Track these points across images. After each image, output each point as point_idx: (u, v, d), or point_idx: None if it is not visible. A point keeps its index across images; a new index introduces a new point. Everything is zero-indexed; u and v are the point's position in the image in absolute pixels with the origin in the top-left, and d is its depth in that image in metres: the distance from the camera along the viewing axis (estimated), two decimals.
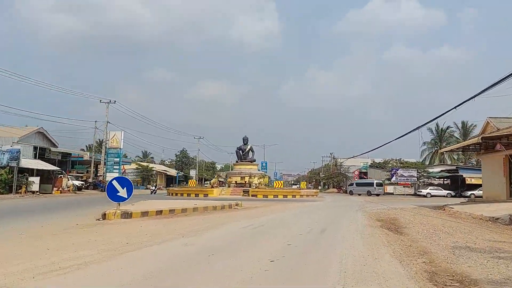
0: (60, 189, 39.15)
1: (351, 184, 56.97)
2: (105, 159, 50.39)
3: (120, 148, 51.46)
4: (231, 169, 55.42)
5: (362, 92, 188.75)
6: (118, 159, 51.31)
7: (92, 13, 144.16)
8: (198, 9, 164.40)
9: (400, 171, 54.17)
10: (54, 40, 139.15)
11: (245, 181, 38.23)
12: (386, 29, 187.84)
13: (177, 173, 74.07)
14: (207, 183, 60.45)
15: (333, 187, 77.52)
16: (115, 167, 51.30)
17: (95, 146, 50.95)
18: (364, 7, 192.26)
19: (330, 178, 75.97)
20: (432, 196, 47.30)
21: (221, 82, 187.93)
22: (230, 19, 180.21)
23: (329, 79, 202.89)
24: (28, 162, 37.72)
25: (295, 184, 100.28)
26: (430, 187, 50.01)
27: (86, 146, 68.90)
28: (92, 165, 49.17)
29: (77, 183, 43.45)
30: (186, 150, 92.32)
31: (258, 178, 36.37)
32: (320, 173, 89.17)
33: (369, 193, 49.27)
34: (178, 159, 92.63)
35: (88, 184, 46.31)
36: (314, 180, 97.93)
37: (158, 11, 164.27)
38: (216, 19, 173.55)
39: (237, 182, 39.20)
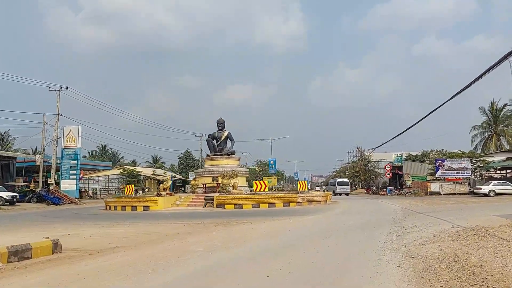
0: None
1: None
2: (58, 162, 39.27)
3: (77, 148, 40.27)
4: (201, 168, 42.89)
5: (392, 88, 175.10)
6: (75, 162, 40.12)
7: (120, 23, 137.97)
8: (222, 14, 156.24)
9: (447, 163, 40.15)
10: (85, 51, 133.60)
11: (218, 183, 25.80)
12: (415, 22, 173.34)
13: (171, 177, 62.34)
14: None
15: (362, 187, 63.94)
16: (71, 172, 40.10)
17: (43, 146, 39.85)
18: (391, 0, 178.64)
19: (356, 176, 62.24)
20: (496, 194, 33.34)
21: (247, 86, 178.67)
22: (254, 22, 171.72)
23: (357, 76, 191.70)
24: None
25: (318, 186, 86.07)
26: (492, 182, 35.75)
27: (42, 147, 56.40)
28: (41, 170, 38.10)
29: (5, 194, 32.33)
30: (191, 151, 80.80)
31: (231, 178, 23.65)
32: (346, 172, 75.14)
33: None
34: (182, 161, 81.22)
35: (31, 196, 35.03)
36: None
37: (184, 18, 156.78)
38: (240, 23, 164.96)
39: (207, 185, 26.77)
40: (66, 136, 40.08)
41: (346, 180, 55.42)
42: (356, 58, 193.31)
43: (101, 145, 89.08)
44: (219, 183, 25.57)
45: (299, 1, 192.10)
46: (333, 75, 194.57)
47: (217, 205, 21.87)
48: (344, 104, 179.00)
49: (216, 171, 26.99)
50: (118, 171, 57.58)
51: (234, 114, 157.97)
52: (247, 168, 33.50)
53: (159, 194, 23.57)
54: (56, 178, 38.79)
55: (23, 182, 39.24)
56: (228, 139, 30.82)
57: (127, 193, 28.79)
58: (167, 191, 24.71)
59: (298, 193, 25.24)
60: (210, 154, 30.31)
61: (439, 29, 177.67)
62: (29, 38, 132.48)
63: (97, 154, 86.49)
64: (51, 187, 35.99)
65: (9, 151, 42.14)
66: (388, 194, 44.58)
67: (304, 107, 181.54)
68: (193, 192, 27.24)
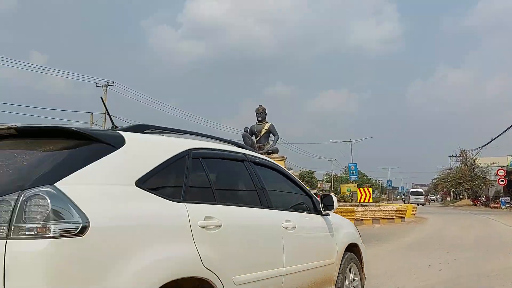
0: None
1: None
2: None
3: None
4: None
5: (502, 88, 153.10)
6: None
7: (214, 37, 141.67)
8: (313, 21, 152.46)
9: None
10: (181, 65, 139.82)
11: None
12: None
13: None
14: None
15: (468, 197, 52.36)
16: None
17: None
18: None
19: (459, 184, 50.90)
20: None
21: (340, 92, 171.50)
22: (346, 27, 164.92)
23: (461, 77, 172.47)
24: None
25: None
26: None
27: None
28: None
29: None
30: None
31: None
32: (447, 179, 62.85)
33: None
34: None
35: None
36: (444, 189, 71.41)
37: (275, 28, 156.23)
38: (332, 29, 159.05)
39: None
40: None
41: (420, 190, 56.99)
42: (459, 58, 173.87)
43: None
44: None
45: (395, 2, 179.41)
46: (434, 76, 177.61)
47: None
48: (447, 106, 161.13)
49: None
50: None
51: (326, 120, 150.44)
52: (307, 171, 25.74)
53: None
54: None
55: None
56: (271, 134, 24.13)
57: None
58: None
59: (357, 205, 17.63)
60: None
61: None
62: (137, 56, 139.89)
63: None
64: None
65: None
66: (503, 207, 33.95)
67: (402, 111, 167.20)
68: None
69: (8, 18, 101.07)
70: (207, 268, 2.24)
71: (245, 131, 25.55)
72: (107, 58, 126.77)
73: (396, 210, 17.76)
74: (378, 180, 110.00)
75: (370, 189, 25.19)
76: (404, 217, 18.23)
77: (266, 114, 25.57)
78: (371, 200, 19.17)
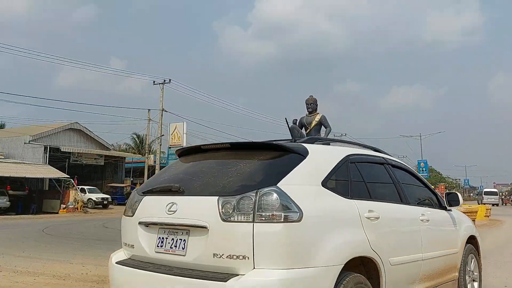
0: (65, 206, 26.62)
1: None
2: (162, 162, 36.87)
3: (182, 146, 37.13)
4: None
5: None
6: None
7: (284, 35, 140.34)
8: (385, 15, 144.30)
9: None
10: (250, 65, 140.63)
11: None
12: None
13: None
14: None
15: None
16: None
17: (148, 144, 37.92)
18: None
19: None
20: None
21: (414, 87, 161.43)
22: (420, 19, 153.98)
23: None
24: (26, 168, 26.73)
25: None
26: None
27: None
28: (146, 171, 36.15)
29: (96, 196, 30.66)
30: None
31: None
32: None
33: None
34: None
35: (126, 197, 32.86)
36: None
37: (344, 24, 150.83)
38: (404, 22, 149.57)
39: None
40: (171, 134, 37.43)
41: (495, 190, 56.95)
42: None
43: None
44: None
45: None
46: None
47: None
48: None
49: None
50: None
51: (398, 118, 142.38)
52: None
53: None
54: None
55: (132, 183, 38.04)
56: (322, 125, 22.42)
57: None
58: None
59: None
60: None
61: None
62: (212, 59, 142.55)
63: None
64: None
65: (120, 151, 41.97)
66: None
67: (482, 105, 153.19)
68: None
69: (90, 26, 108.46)
70: (373, 250, 2.79)
71: (294, 123, 23.99)
72: (180, 60, 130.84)
73: (462, 212, 15.25)
74: (455, 179, 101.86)
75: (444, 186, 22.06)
76: (474, 220, 15.69)
77: (317, 105, 23.54)
78: None
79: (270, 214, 2.34)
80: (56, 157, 30.83)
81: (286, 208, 2.36)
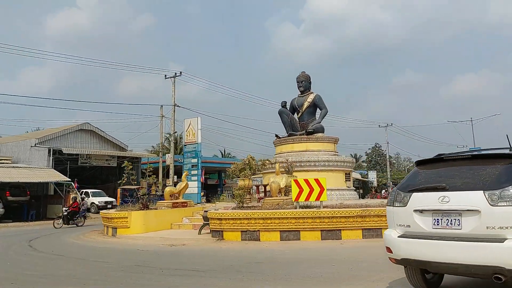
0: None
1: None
2: (177, 161, 34.40)
3: (197, 143, 34.23)
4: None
5: None
6: (196, 160, 34.13)
7: (337, 29, 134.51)
8: (442, 1, 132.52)
9: None
10: (306, 62, 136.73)
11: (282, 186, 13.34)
12: None
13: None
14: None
15: None
16: (193, 172, 34.14)
17: (161, 142, 35.59)
18: None
19: None
20: None
21: (479, 74, 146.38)
22: (484, 1, 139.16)
23: None
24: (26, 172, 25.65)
25: None
26: None
27: (152, 146, 49.44)
28: (160, 170, 33.95)
29: (99, 200, 28.87)
30: (380, 146, 67.10)
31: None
32: None
33: None
34: (369, 158, 68.48)
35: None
36: None
37: (400, 12, 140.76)
38: (466, 5, 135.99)
39: (267, 187, 14.75)
40: (186, 131, 34.75)
41: None
42: None
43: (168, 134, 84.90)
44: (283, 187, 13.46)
45: None
46: None
47: (213, 229, 10.65)
48: None
49: (287, 162, 14.88)
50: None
51: (462, 107, 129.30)
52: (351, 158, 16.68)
53: (144, 207, 13.84)
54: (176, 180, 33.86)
55: (148, 185, 36.01)
56: (316, 106, 18.12)
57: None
58: (179, 198, 14.88)
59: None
60: (281, 136, 17.84)
61: None
62: (264, 60, 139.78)
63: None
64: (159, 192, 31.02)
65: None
66: None
67: None
68: (249, 195, 15.55)
69: (148, 33, 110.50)
70: None
71: (283, 106, 18.65)
72: (234, 63, 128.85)
73: None
74: None
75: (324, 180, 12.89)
76: None
77: (310, 83, 18.75)
78: (325, 198, 10.08)
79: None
80: (61, 160, 29.53)
81: None
